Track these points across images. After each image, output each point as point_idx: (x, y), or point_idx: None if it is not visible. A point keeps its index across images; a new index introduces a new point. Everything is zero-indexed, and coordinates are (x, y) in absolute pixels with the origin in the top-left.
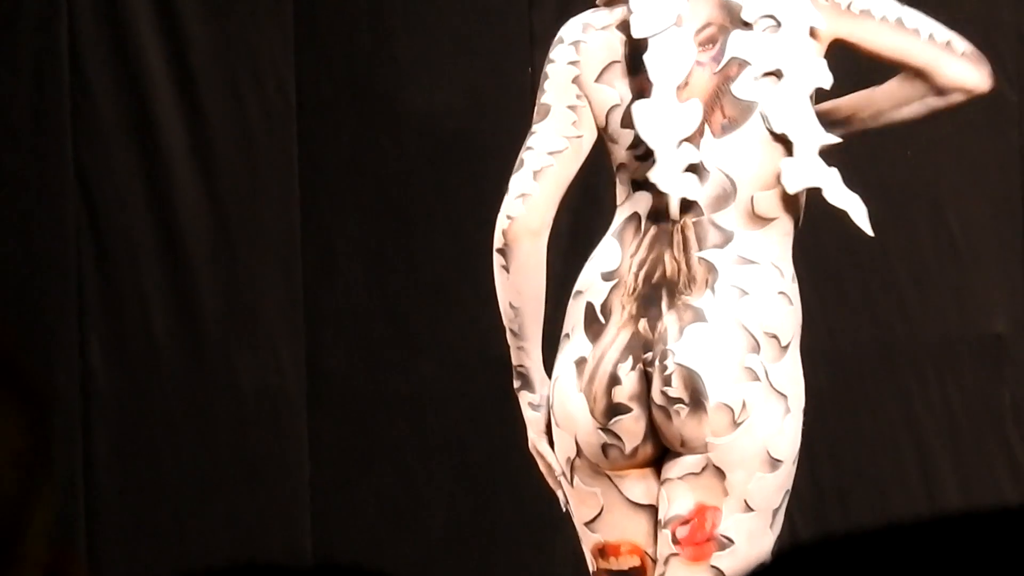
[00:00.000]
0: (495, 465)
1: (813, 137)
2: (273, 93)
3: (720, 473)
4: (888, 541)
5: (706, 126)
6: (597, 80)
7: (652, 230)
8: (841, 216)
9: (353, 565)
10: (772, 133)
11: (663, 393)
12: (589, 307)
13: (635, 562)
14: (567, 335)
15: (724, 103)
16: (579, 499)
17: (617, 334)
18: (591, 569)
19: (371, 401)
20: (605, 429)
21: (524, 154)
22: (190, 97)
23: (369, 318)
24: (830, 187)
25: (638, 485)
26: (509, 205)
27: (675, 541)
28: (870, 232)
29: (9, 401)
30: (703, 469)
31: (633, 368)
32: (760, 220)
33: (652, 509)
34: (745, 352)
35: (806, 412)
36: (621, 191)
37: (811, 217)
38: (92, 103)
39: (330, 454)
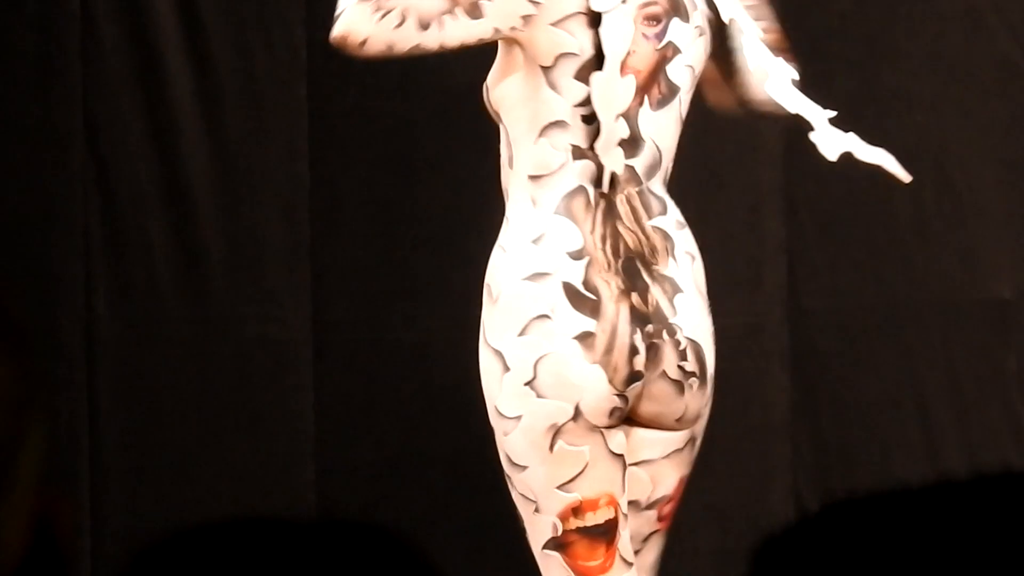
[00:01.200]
0: None
1: (822, 113)
2: (281, 42)
3: (694, 443)
4: (891, 504)
5: (646, 97)
6: (555, 24)
7: (601, 203)
8: (849, 176)
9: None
10: (682, 116)
11: (680, 368)
12: (568, 286)
13: (611, 514)
14: (545, 315)
15: (661, 79)
16: (558, 462)
17: (618, 308)
18: (554, 534)
19: (376, 352)
20: (620, 395)
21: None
22: (198, 45)
23: (375, 269)
24: (859, 148)
25: (617, 436)
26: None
27: (660, 519)
28: (907, 178)
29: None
30: (686, 443)
31: (643, 339)
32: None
33: (622, 458)
34: (710, 319)
35: (810, 373)
36: (552, 158)
37: (818, 179)
38: (101, 51)
39: (335, 405)
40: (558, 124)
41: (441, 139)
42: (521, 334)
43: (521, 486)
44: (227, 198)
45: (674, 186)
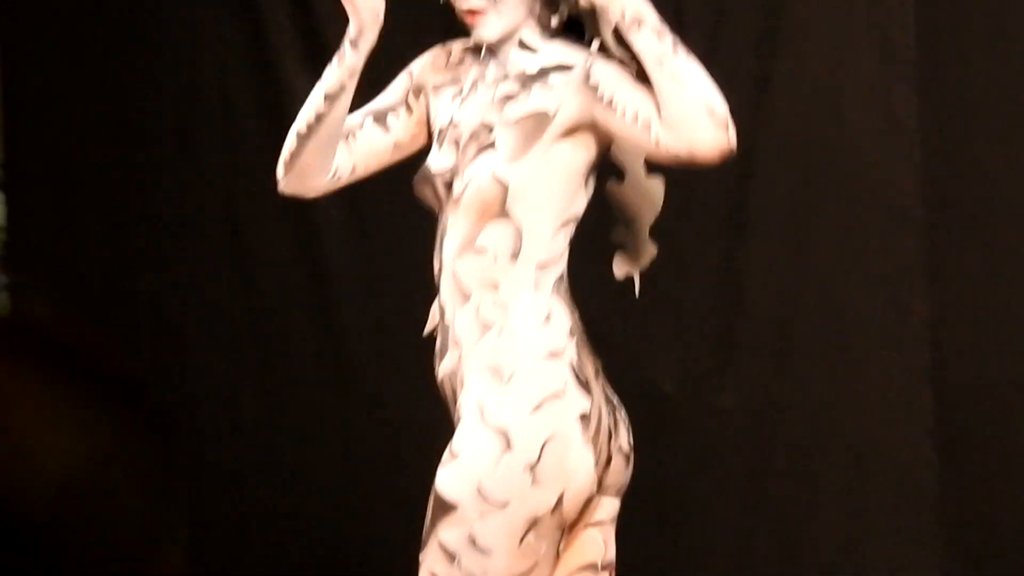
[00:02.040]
0: None
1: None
2: None
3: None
4: None
5: None
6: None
7: (567, 286)
8: (992, 246)
9: None
10: None
11: (629, 443)
12: (572, 366)
13: None
14: (558, 395)
15: None
16: (521, 555)
17: (597, 389)
18: None
19: None
20: (598, 480)
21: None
22: None
23: None
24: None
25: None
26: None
27: None
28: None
29: (138, 432)
30: (617, 511)
31: (609, 417)
32: None
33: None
34: None
35: (956, 446)
36: (560, 247)
37: (961, 249)
38: (242, 133)
39: None
40: (576, 216)
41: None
42: (535, 412)
43: (474, 567)
44: (368, 278)
45: (813, 261)
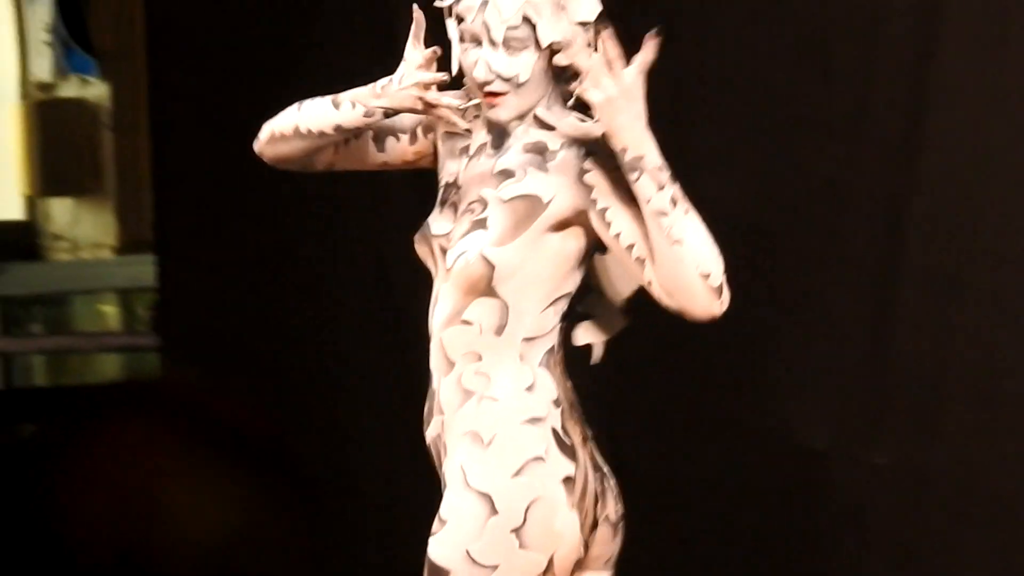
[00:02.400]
0: None
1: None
2: None
3: None
4: None
5: None
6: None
7: (560, 358)
8: None
9: None
10: None
11: (617, 512)
12: (555, 432)
13: None
14: (540, 457)
15: None
16: None
17: (584, 455)
18: None
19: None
20: (585, 543)
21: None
22: None
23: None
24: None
25: None
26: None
27: None
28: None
29: (287, 498)
30: None
31: (597, 485)
32: None
33: None
34: None
35: None
36: (550, 322)
37: None
38: (388, 182)
39: None
40: (568, 294)
41: None
42: (516, 475)
43: None
44: None
45: (967, 316)
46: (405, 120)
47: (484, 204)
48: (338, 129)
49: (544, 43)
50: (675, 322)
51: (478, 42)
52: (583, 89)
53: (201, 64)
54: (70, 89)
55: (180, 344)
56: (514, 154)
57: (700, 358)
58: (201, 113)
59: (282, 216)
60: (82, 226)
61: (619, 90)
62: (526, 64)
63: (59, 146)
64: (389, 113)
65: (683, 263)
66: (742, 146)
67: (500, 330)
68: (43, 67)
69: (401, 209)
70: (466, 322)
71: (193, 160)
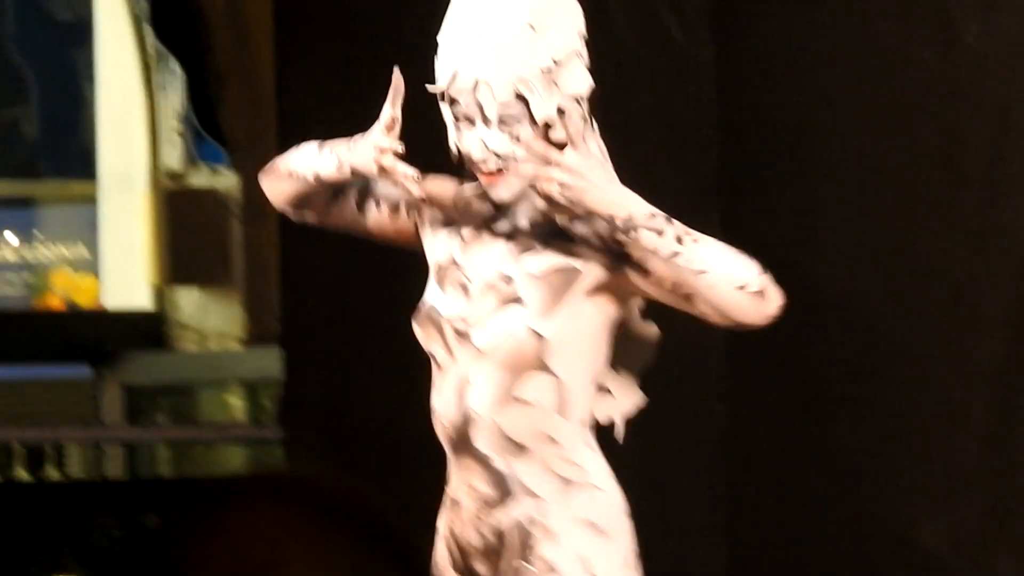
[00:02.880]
0: None
1: None
2: None
3: None
4: None
5: None
6: None
7: None
8: None
9: None
10: None
11: None
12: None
13: None
14: (634, 552)
15: None
16: None
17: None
18: None
19: None
20: None
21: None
22: None
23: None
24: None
25: None
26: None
27: None
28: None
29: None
30: None
31: None
32: None
33: None
34: None
35: None
36: (591, 399)
37: None
38: None
39: None
40: (599, 372)
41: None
42: (630, 567)
43: None
44: None
45: None
46: (391, 191)
47: (509, 280)
48: (316, 178)
49: (539, 118)
50: (795, 416)
51: (472, 123)
52: (543, 193)
53: None
54: (200, 179)
55: (304, 436)
56: (525, 227)
57: (821, 454)
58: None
59: (408, 309)
60: (209, 316)
61: (571, 175)
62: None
63: (188, 236)
64: (356, 172)
65: (717, 287)
66: (868, 240)
67: (563, 410)
68: (174, 156)
69: None
70: (523, 402)
71: (320, 252)
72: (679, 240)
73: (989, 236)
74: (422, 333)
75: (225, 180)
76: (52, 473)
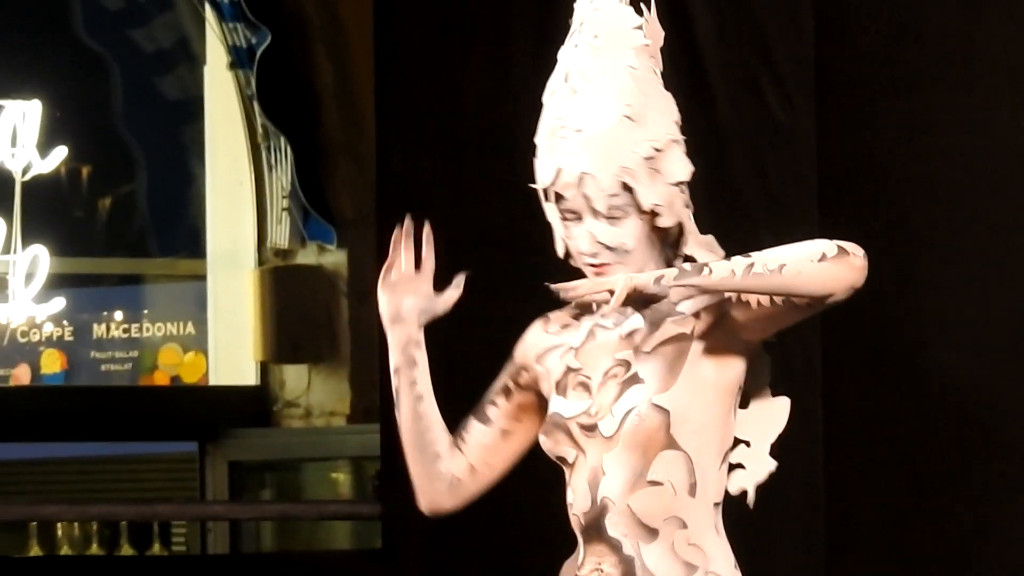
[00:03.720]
0: None
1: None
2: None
3: None
4: None
5: None
6: None
7: None
8: None
9: None
10: None
11: None
12: None
13: None
14: None
15: None
16: None
17: None
18: None
19: None
20: None
21: None
22: None
23: None
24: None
25: None
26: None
27: None
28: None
29: None
30: None
31: None
32: None
33: None
34: None
35: None
36: (722, 481)
37: None
38: None
39: None
40: (730, 449)
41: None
42: None
43: None
44: None
45: None
46: (494, 387)
47: (626, 365)
48: (407, 431)
49: (646, 207)
50: (899, 493)
51: (580, 217)
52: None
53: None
54: (308, 256)
55: (401, 512)
56: (636, 320)
57: (926, 531)
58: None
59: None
60: (314, 393)
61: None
62: (630, 232)
63: (294, 313)
64: (399, 366)
65: (803, 270)
66: (974, 319)
67: (692, 490)
68: (281, 233)
69: None
70: (655, 483)
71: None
72: (746, 256)
73: None
74: (549, 442)
75: (333, 257)
76: (157, 549)
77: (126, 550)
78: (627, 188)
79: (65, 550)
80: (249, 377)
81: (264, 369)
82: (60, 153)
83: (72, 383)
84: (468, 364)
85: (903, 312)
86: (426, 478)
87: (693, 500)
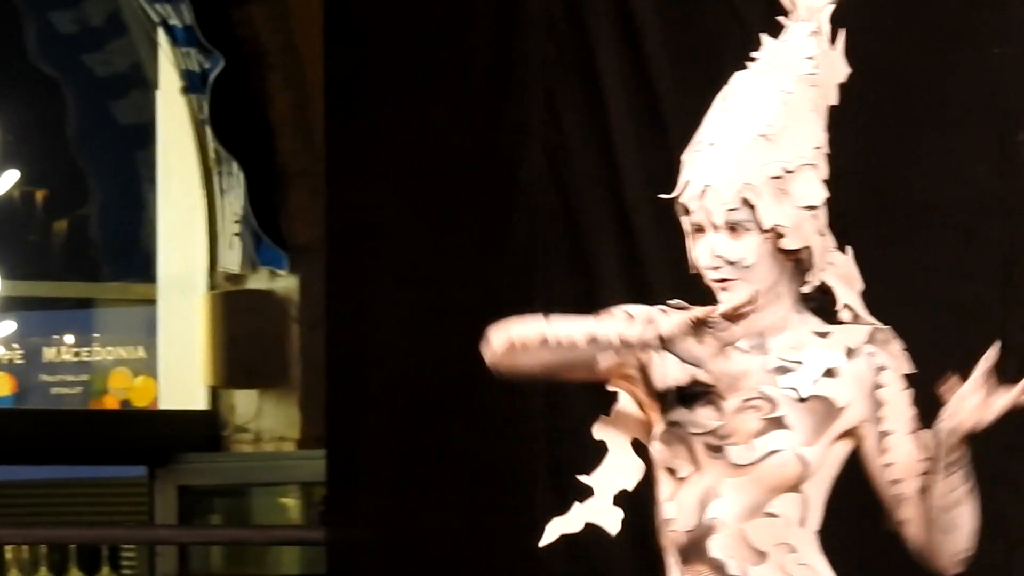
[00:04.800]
0: None
1: None
2: None
3: None
4: None
5: None
6: None
7: None
8: None
9: None
10: None
11: None
12: None
13: None
14: None
15: None
16: None
17: None
18: None
19: None
20: None
21: None
22: None
23: None
24: None
25: None
26: None
27: None
28: None
29: None
30: None
31: None
32: None
33: None
34: None
35: None
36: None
37: None
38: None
39: None
40: None
41: None
42: None
43: None
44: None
45: None
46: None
47: (772, 402)
48: (588, 341)
49: (766, 225)
50: None
51: (703, 230)
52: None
53: (375, 263)
54: (259, 281)
55: (346, 538)
56: (788, 347)
57: None
58: (373, 310)
59: (453, 417)
60: (265, 418)
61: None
62: (750, 247)
63: (245, 338)
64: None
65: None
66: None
67: (803, 522)
68: (233, 258)
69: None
70: (772, 515)
71: (365, 359)
72: (968, 481)
73: None
74: (667, 451)
75: (284, 283)
76: (106, 573)
77: (75, 574)
78: (749, 204)
79: (14, 574)
80: (199, 402)
81: (214, 394)
82: (12, 176)
83: (22, 406)
84: (418, 386)
85: None
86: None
87: (802, 529)
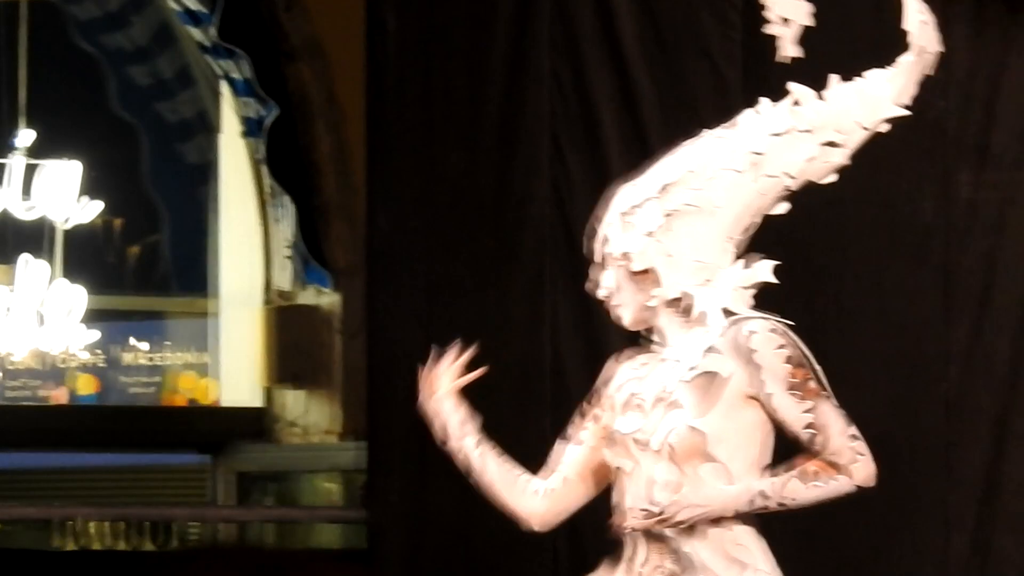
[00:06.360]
0: None
1: None
2: None
3: None
4: None
5: None
6: None
7: None
8: None
9: None
10: None
11: None
12: None
13: None
14: None
15: None
16: None
17: None
18: None
19: None
20: None
21: None
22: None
23: None
24: None
25: None
26: None
27: None
28: None
29: None
30: None
31: None
32: None
33: None
34: None
35: None
36: None
37: None
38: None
39: None
40: (768, 464)
41: None
42: None
43: None
44: None
45: None
46: (583, 413)
47: (671, 391)
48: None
49: (616, 254)
50: None
51: (602, 266)
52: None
53: (407, 283)
54: (307, 297)
55: (384, 520)
56: (682, 348)
57: None
58: (406, 322)
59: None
60: (312, 414)
61: (689, 509)
62: (611, 275)
63: (294, 345)
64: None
65: (800, 501)
66: (868, 362)
67: None
68: (284, 278)
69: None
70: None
71: (401, 363)
72: (781, 485)
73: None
74: (611, 453)
75: (328, 299)
76: (174, 546)
77: (148, 547)
78: (607, 239)
79: (96, 546)
80: (255, 400)
81: (268, 393)
82: (96, 207)
83: (103, 403)
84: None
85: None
86: (522, 497)
87: None
